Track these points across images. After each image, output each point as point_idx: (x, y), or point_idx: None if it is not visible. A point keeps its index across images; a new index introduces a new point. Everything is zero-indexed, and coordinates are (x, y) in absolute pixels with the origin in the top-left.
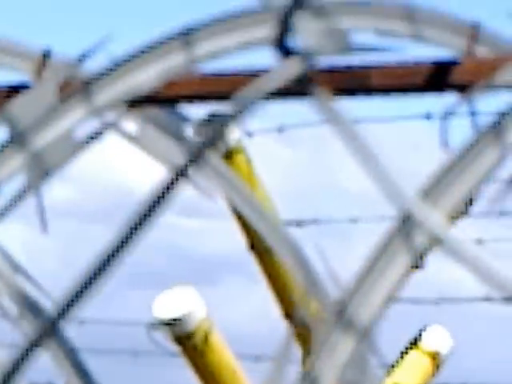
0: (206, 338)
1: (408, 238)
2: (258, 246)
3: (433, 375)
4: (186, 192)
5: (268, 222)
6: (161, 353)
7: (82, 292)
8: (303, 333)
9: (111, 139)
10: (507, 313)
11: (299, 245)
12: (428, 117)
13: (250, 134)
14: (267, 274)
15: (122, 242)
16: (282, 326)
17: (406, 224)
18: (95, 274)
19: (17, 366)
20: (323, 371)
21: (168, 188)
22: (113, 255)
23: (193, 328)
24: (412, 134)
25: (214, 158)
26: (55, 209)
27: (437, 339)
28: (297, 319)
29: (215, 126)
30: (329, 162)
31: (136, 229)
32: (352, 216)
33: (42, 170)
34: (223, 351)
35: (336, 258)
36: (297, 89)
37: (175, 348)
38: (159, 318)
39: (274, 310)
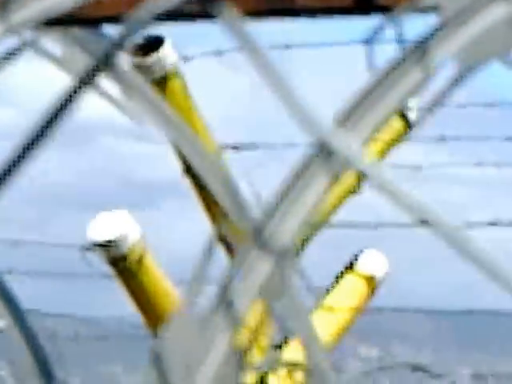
0: (139, 260)
1: (327, 160)
2: (192, 170)
3: (368, 298)
4: (122, 117)
5: (190, 142)
6: (95, 275)
7: None
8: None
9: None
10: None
11: (226, 167)
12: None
13: (186, 59)
14: (201, 196)
15: (23, 153)
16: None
17: (323, 152)
18: None
19: None
20: (240, 292)
21: (71, 96)
22: (13, 165)
23: (127, 250)
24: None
25: (137, 78)
26: (7, 133)
27: (372, 263)
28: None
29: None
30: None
31: (37, 139)
32: (290, 140)
33: None
34: (157, 273)
35: (274, 182)
36: (203, 9)
37: (109, 270)
38: (93, 240)
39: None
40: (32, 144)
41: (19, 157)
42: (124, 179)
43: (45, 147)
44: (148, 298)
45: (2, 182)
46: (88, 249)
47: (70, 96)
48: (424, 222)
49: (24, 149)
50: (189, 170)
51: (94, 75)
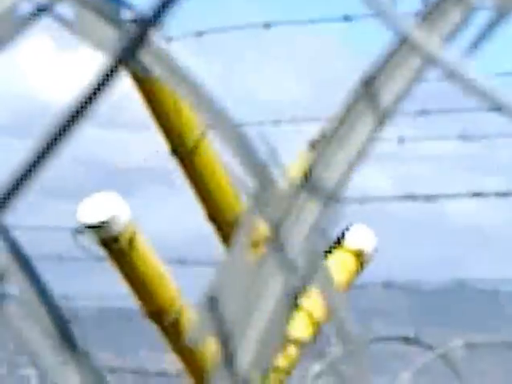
0: (131, 241)
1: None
2: (180, 150)
3: (357, 273)
4: (104, 104)
5: (211, 108)
6: (87, 257)
7: (3, 201)
8: (230, 233)
9: (27, 47)
10: (421, 213)
11: (243, 130)
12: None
13: (169, 39)
14: (191, 177)
15: (61, 131)
16: (203, 230)
17: (404, 47)
18: (25, 175)
19: None
20: (290, 235)
21: (107, 76)
22: (43, 153)
23: (118, 231)
24: None
25: (158, 42)
26: None
27: (361, 238)
28: (225, 220)
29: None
30: (242, 71)
31: (74, 118)
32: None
33: None
34: (149, 254)
35: None
36: None
37: (101, 252)
38: (84, 222)
39: (195, 215)
40: (64, 129)
41: (48, 144)
42: (96, 166)
43: (75, 133)
44: (141, 279)
45: (31, 172)
46: (79, 231)
47: (107, 75)
48: (496, 109)
49: (55, 136)
50: (176, 151)
51: (131, 52)
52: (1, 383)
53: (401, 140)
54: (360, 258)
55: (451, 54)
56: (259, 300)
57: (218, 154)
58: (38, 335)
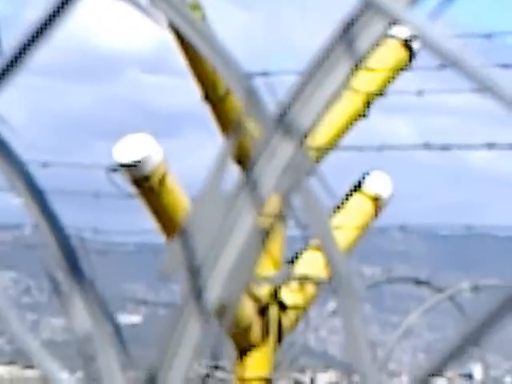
0: (162, 181)
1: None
2: (211, 96)
3: (374, 217)
4: (149, 49)
5: (217, 53)
6: (119, 194)
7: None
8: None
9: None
10: (443, 161)
11: (247, 74)
12: None
13: None
14: (221, 122)
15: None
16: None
17: (368, 9)
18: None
19: None
20: (263, 174)
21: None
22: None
23: (150, 171)
24: None
25: None
26: (40, 68)
27: (378, 183)
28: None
29: None
30: (283, 23)
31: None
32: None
33: None
34: (178, 193)
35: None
36: None
37: (133, 190)
38: (119, 161)
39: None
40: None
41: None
42: (140, 110)
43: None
44: (170, 216)
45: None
46: (113, 170)
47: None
48: (453, 66)
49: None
50: (207, 96)
51: None
52: None
53: (420, 92)
54: (377, 202)
55: (416, 15)
56: (230, 235)
57: None
58: (48, 265)
